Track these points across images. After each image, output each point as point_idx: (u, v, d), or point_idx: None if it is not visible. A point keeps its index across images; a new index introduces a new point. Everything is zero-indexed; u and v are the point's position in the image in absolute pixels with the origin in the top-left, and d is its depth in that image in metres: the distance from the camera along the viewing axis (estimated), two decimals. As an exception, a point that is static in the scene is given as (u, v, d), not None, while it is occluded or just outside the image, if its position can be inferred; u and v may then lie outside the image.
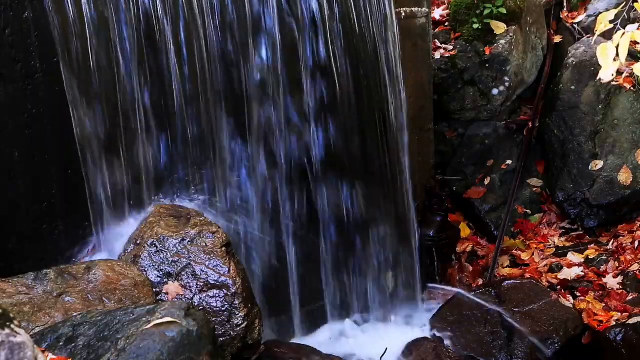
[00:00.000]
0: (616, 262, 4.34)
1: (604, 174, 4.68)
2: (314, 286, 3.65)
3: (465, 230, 4.72)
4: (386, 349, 3.45)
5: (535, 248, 4.64)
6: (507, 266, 4.56)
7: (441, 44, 4.90)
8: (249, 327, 2.73)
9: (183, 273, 2.76)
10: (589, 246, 4.55)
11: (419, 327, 3.82)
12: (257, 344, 2.80)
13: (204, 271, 2.75)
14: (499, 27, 4.85)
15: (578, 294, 4.18)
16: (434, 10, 4.88)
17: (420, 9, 4.13)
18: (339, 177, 3.61)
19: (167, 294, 2.72)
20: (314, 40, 3.38)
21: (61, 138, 2.88)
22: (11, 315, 1.45)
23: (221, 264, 2.78)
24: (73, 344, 2.09)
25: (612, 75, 2.69)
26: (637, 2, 2.99)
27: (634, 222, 4.61)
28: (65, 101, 2.84)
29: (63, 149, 2.89)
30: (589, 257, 4.44)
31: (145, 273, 2.74)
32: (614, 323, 3.73)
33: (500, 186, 4.87)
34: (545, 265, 4.44)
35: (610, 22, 2.82)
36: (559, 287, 4.24)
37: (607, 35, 3.22)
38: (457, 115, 4.98)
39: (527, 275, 4.32)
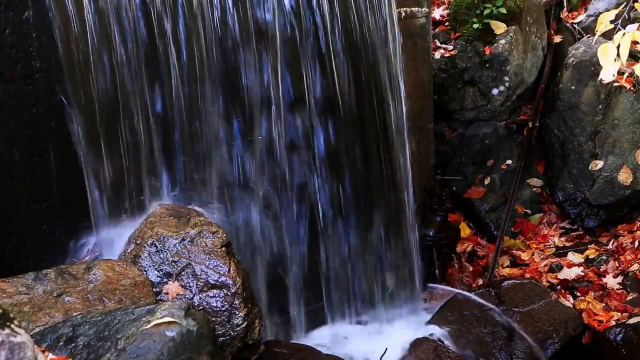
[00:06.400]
0: (616, 262, 4.34)
1: (604, 174, 4.68)
2: (314, 286, 3.65)
3: (465, 230, 4.72)
4: (386, 349, 3.45)
5: (535, 248, 4.64)
6: (507, 266, 4.55)
7: (441, 44, 4.90)
8: (249, 327, 2.73)
9: (183, 273, 2.76)
10: (589, 246, 4.55)
11: (419, 327, 3.81)
12: (257, 344, 2.80)
13: (204, 271, 2.75)
14: (499, 27, 4.85)
15: (578, 294, 4.18)
16: (434, 10, 4.87)
17: (420, 9, 4.13)
18: (339, 176, 3.61)
19: (167, 294, 2.72)
20: (314, 39, 3.37)
21: (61, 138, 2.88)
22: (11, 315, 1.45)
23: (221, 264, 2.77)
24: (73, 344, 2.09)
25: (613, 75, 2.69)
26: (637, 2, 2.99)
27: (634, 222, 4.62)
28: (66, 101, 2.84)
29: (63, 148, 2.89)
30: (589, 257, 4.44)
31: (145, 273, 2.74)
32: (614, 323, 3.74)
33: (500, 186, 4.87)
34: (545, 265, 4.44)
35: (611, 22, 2.81)
36: (559, 287, 4.24)
37: (607, 35, 3.22)
38: (457, 115, 4.97)
39: (527, 275, 4.32)
